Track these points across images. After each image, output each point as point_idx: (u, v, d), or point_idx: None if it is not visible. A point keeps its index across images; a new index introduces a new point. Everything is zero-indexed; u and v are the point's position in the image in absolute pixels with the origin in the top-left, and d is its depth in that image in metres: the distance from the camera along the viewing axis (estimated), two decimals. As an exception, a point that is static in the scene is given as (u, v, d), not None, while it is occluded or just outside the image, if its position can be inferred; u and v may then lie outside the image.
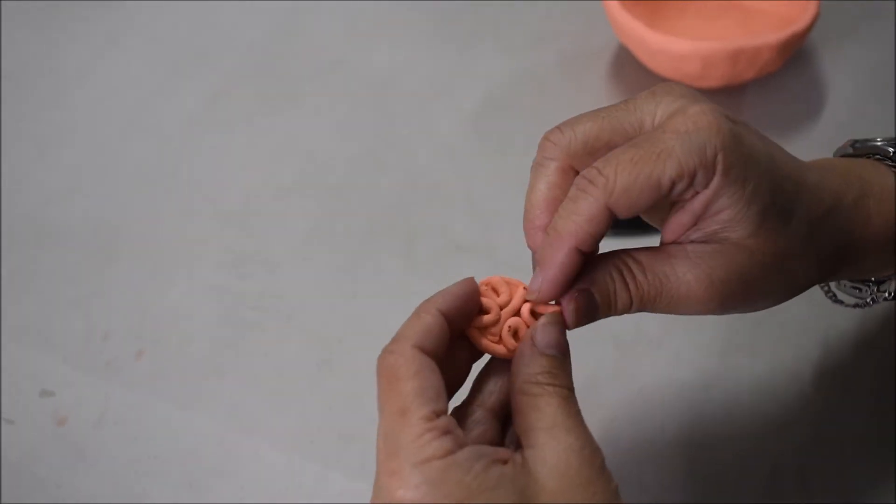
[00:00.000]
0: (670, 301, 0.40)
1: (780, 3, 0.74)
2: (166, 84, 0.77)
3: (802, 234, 0.41)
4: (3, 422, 0.56)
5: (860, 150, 0.48)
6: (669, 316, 0.56)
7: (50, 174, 0.70)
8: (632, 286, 0.40)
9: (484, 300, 0.41)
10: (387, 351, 0.38)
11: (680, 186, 0.38)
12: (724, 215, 0.39)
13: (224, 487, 0.53)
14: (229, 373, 0.58)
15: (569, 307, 0.40)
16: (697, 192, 0.39)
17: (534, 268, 0.41)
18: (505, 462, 0.37)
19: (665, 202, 0.41)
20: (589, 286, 0.40)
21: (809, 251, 0.41)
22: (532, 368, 0.38)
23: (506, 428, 0.42)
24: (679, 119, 0.39)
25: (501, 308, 0.41)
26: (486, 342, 0.41)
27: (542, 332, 0.39)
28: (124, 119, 0.75)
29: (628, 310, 0.41)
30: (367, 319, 0.59)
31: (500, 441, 0.41)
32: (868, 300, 0.49)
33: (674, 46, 0.67)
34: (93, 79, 0.78)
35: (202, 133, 0.73)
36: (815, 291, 0.51)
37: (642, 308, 0.41)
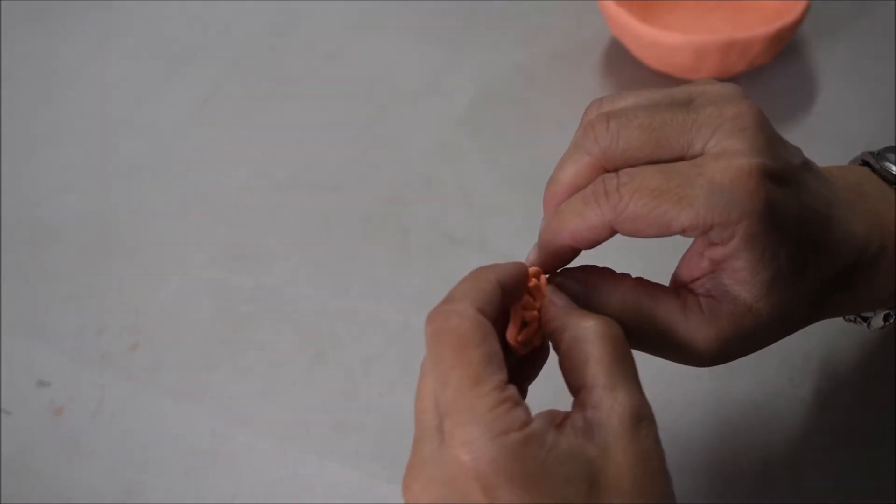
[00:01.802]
0: (668, 349, 0.40)
1: (771, -2, 0.75)
2: (160, 81, 0.77)
3: (813, 292, 0.40)
4: (0, 412, 0.56)
5: (880, 171, 0.46)
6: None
7: (45, 171, 0.71)
8: (630, 316, 0.40)
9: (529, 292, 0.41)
10: (447, 311, 0.36)
11: (691, 234, 0.37)
12: (740, 276, 0.38)
13: (219, 477, 0.53)
14: (223, 365, 0.58)
15: (560, 282, 0.41)
16: (714, 245, 0.38)
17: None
18: (562, 424, 0.35)
19: None
20: (588, 289, 0.40)
21: (814, 304, 0.41)
22: (575, 318, 0.37)
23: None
24: (720, 165, 0.37)
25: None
26: (516, 323, 0.40)
27: (559, 295, 0.39)
28: (118, 116, 0.75)
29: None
30: (360, 313, 0.60)
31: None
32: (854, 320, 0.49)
33: (665, 39, 0.68)
34: (87, 77, 0.78)
35: (196, 130, 0.73)
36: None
37: (634, 342, 0.39)
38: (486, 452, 0.34)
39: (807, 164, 0.41)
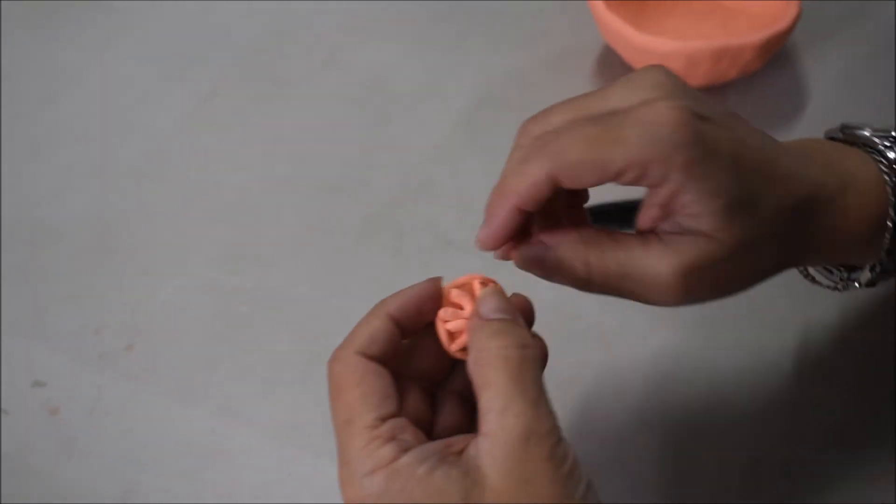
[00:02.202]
0: (636, 285, 0.41)
1: (762, 5, 0.75)
2: (159, 84, 0.78)
3: (770, 224, 0.41)
4: (-2, 412, 0.57)
5: (849, 136, 0.48)
6: (655, 310, 0.57)
7: (45, 172, 0.71)
8: (595, 267, 0.41)
9: (457, 299, 0.41)
10: (333, 358, 0.40)
11: (629, 175, 0.39)
12: (691, 209, 0.39)
13: (216, 476, 0.53)
14: (221, 365, 0.58)
15: (523, 252, 0.41)
16: (658, 185, 0.39)
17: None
18: (460, 453, 0.36)
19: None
20: (545, 256, 0.41)
21: (777, 239, 0.42)
22: (482, 334, 0.38)
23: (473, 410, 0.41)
24: (646, 109, 0.39)
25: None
26: (442, 336, 0.41)
27: (486, 301, 0.39)
28: (118, 119, 0.75)
29: (586, 283, 0.41)
30: (357, 314, 0.59)
31: (467, 425, 0.42)
32: (839, 286, 0.50)
33: (657, 45, 0.68)
34: (87, 80, 0.79)
35: (195, 132, 0.74)
36: (798, 285, 0.52)
37: (604, 286, 0.41)
38: (359, 491, 0.36)
39: (736, 115, 0.42)
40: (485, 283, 0.42)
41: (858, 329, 0.58)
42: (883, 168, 0.45)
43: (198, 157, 0.72)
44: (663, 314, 0.59)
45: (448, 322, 0.41)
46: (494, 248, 0.42)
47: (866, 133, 0.47)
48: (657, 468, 0.53)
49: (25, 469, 0.54)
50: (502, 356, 0.37)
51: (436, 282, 0.42)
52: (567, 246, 0.41)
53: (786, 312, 0.59)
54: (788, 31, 0.69)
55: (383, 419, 0.37)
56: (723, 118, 0.41)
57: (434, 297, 0.41)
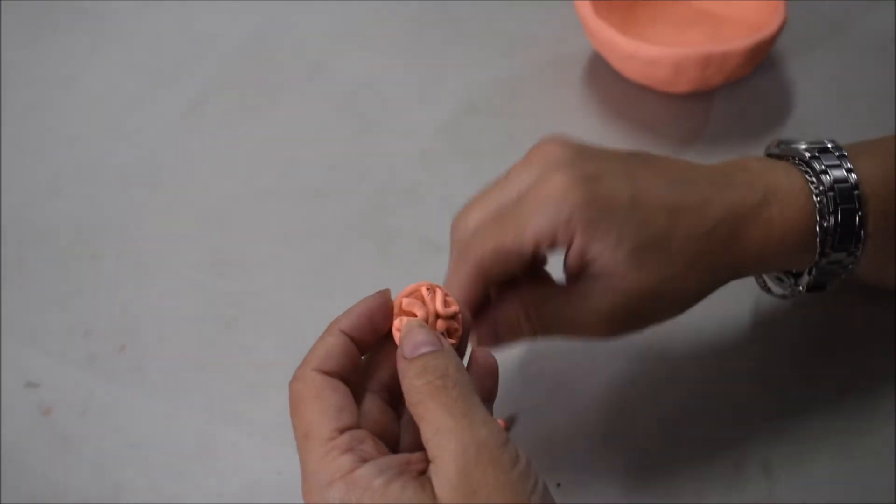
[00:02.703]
0: (568, 330, 0.48)
1: (749, 13, 0.76)
2: (148, 90, 0.79)
3: (685, 255, 0.45)
4: (-12, 412, 0.57)
5: (784, 151, 0.51)
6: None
7: (35, 176, 0.72)
8: (534, 320, 0.47)
9: (409, 308, 0.42)
10: (293, 378, 0.40)
11: (544, 248, 0.45)
12: (599, 263, 0.45)
13: (204, 476, 0.54)
14: (208, 367, 0.59)
15: (474, 337, 0.47)
16: (569, 247, 0.45)
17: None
18: (422, 473, 0.37)
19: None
20: (495, 324, 0.47)
21: (696, 267, 0.46)
22: (407, 378, 0.38)
23: (395, 407, 0.43)
24: (541, 185, 0.45)
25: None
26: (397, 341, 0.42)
27: (405, 341, 0.40)
28: (107, 124, 0.76)
29: (531, 337, 0.48)
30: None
31: (395, 424, 0.42)
32: (786, 293, 0.51)
33: (644, 51, 0.69)
34: (76, 85, 0.79)
35: (183, 137, 0.74)
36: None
37: (551, 334, 0.48)
38: (314, 501, 0.37)
39: (643, 158, 0.48)
40: (430, 288, 0.43)
41: (843, 332, 0.59)
42: (809, 178, 0.48)
43: (186, 161, 0.72)
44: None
45: (401, 329, 0.41)
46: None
47: (800, 147, 0.49)
48: (640, 467, 0.53)
49: (18, 468, 0.54)
50: (426, 391, 0.37)
51: (384, 293, 0.43)
52: (508, 313, 0.47)
53: (772, 314, 0.59)
54: (774, 37, 0.70)
55: (340, 431, 0.38)
56: (622, 170, 0.46)
57: (383, 309, 0.42)
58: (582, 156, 0.46)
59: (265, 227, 0.67)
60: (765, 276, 0.54)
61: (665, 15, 0.79)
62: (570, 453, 0.53)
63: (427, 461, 0.37)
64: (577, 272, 0.46)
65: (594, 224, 0.44)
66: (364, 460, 0.36)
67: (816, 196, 0.47)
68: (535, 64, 0.78)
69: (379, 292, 0.43)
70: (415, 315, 0.42)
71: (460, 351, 0.43)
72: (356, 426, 0.38)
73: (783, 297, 0.53)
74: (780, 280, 0.52)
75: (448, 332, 0.42)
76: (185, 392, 0.58)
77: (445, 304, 0.42)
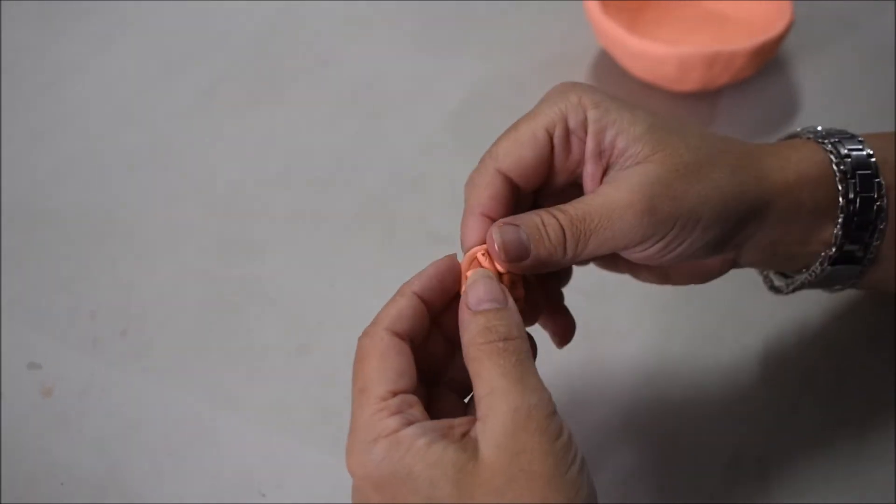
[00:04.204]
0: (601, 218, 0.42)
1: (756, 13, 0.76)
2: (158, 79, 0.79)
3: (706, 149, 0.43)
4: (-9, 392, 0.58)
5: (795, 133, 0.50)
6: (637, 308, 0.58)
7: (45, 160, 0.72)
8: (557, 213, 0.42)
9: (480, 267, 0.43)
10: (362, 334, 0.41)
11: (558, 134, 0.43)
12: (619, 143, 0.42)
13: (201, 458, 0.54)
14: (210, 351, 0.59)
15: (496, 240, 0.41)
16: (582, 136, 0.43)
17: None
18: (464, 435, 0.37)
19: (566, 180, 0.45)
20: (514, 221, 0.42)
21: (720, 163, 0.43)
22: (470, 332, 0.39)
23: (469, 403, 0.43)
24: (549, 91, 0.45)
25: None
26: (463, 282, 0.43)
27: (472, 291, 0.40)
28: (117, 111, 0.76)
29: (562, 239, 0.42)
30: (345, 306, 0.61)
31: (462, 412, 0.43)
32: (794, 284, 0.50)
33: (651, 50, 0.69)
34: (88, 73, 0.80)
35: (192, 126, 0.75)
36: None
37: (577, 235, 0.42)
38: (359, 457, 0.37)
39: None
40: (486, 253, 0.43)
41: (840, 331, 0.59)
42: (829, 152, 0.47)
43: (194, 149, 0.73)
44: (646, 312, 0.60)
45: (469, 271, 0.42)
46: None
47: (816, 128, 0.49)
48: (638, 463, 0.53)
49: (18, 447, 0.55)
50: (486, 350, 0.38)
51: (451, 257, 0.43)
52: (532, 216, 0.42)
53: (768, 311, 0.59)
54: (781, 38, 0.70)
55: (394, 393, 0.38)
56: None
57: (452, 271, 0.43)
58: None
59: (270, 214, 0.68)
60: (773, 276, 0.53)
61: (672, 15, 0.79)
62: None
63: (469, 425, 0.38)
64: (600, 175, 0.44)
65: (604, 102, 0.43)
66: (409, 423, 0.37)
67: (836, 166, 0.46)
68: (542, 60, 0.79)
69: (447, 256, 0.43)
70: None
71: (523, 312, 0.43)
72: (412, 391, 0.39)
73: (786, 292, 0.51)
74: (785, 276, 0.51)
75: (513, 283, 0.42)
76: (185, 376, 0.58)
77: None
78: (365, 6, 0.85)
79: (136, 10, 0.86)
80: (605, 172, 0.44)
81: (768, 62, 0.74)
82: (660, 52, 0.69)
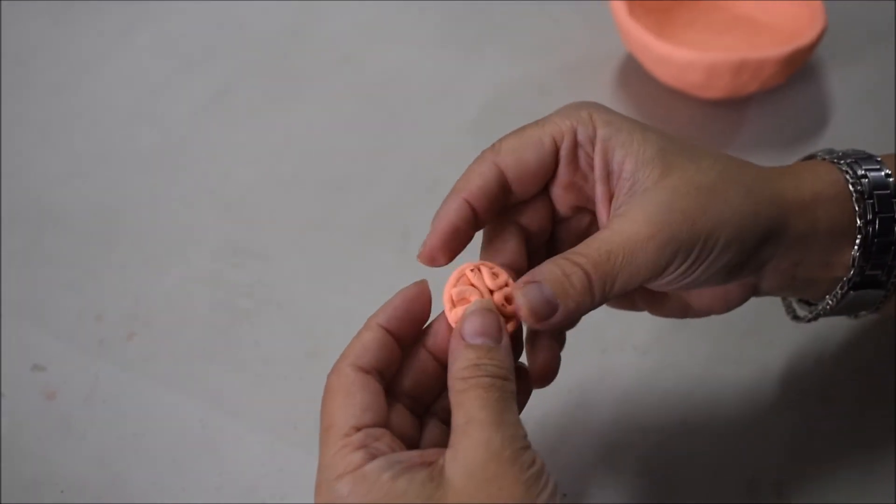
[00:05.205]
0: (623, 255, 0.40)
1: (788, 20, 0.74)
2: (174, 77, 0.78)
3: (719, 169, 0.42)
4: (-6, 394, 0.57)
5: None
6: (656, 323, 0.57)
7: (55, 159, 0.71)
8: (578, 259, 0.40)
9: (465, 287, 0.42)
10: (331, 371, 0.41)
11: (565, 146, 0.42)
12: (628, 166, 0.41)
13: (206, 468, 0.53)
14: (218, 358, 0.58)
15: (522, 305, 0.40)
16: (590, 151, 0.42)
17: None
18: (429, 465, 0.37)
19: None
20: (535, 278, 0.40)
21: (736, 182, 0.42)
22: (458, 364, 0.39)
23: (416, 413, 0.43)
24: (563, 106, 0.44)
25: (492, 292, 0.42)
26: (445, 299, 0.42)
27: (468, 322, 0.40)
28: (130, 109, 0.76)
29: (588, 286, 0.40)
30: (356, 313, 0.59)
31: (414, 427, 0.42)
32: (814, 313, 0.49)
33: (678, 55, 0.68)
34: (102, 69, 0.79)
35: (207, 126, 0.74)
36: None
37: (603, 278, 0.40)
38: (326, 495, 0.37)
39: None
40: (475, 268, 0.42)
41: (861, 353, 0.58)
42: (844, 172, 0.45)
43: (207, 150, 0.72)
44: (665, 327, 0.58)
45: (454, 288, 0.42)
46: (441, 249, 0.43)
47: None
48: (653, 482, 0.52)
49: (19, 451, 0.54)
50: (472, 383, 0.38)
51: (421, 284, 0.43)
52: (551, 267, 0.41)
53: (790, 332, 0.58)
54: (812, 46, 0.68)
55: (358, 428, 0.38)
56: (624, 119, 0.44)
57: (420, 300, 0.42)
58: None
59: (284, 218, 0.67)
60: (794, 303, 0.51)
61: (702, 19, 0.77)
62: (576, 466, 0.53)
63: (437, 455, 0.37)
64: (609, 197, 0.43)
65: (615, 121, 0.42)
66: (374, 456, 0.37)
67: (852, 185, 0.45)
68: (566, 64, 0.77)
69: (415, 283, 0.43)
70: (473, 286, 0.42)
71: (516, 335, 0.42)
72: (379, 425, 0.39)
73: (809, 319, 0.50)
74: (808, 304, 0.50)
75: (506, 300, 0.41)
76: (191, 382, 0.57)
77: (493, 275, 0.42)
78: (386, 5, 0.84)
79: (151, 8, 0.85)
80: (612, 195, 0.43)
81: (799, 70, 0.72)
82: (686, 57, 0.68)
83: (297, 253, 0.64)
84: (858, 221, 0.44)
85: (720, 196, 0.41)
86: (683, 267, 0.41)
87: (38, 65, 0.79)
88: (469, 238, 0.43)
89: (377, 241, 0.65)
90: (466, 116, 0.73)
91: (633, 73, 0.76)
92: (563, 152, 0.43)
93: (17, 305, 0.61)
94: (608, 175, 0.42)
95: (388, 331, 0.41)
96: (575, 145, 0.42)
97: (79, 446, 0.54)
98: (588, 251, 0.40)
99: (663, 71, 0.71)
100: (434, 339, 0.43)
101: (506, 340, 0.40)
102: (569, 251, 0.41)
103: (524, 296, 0.40)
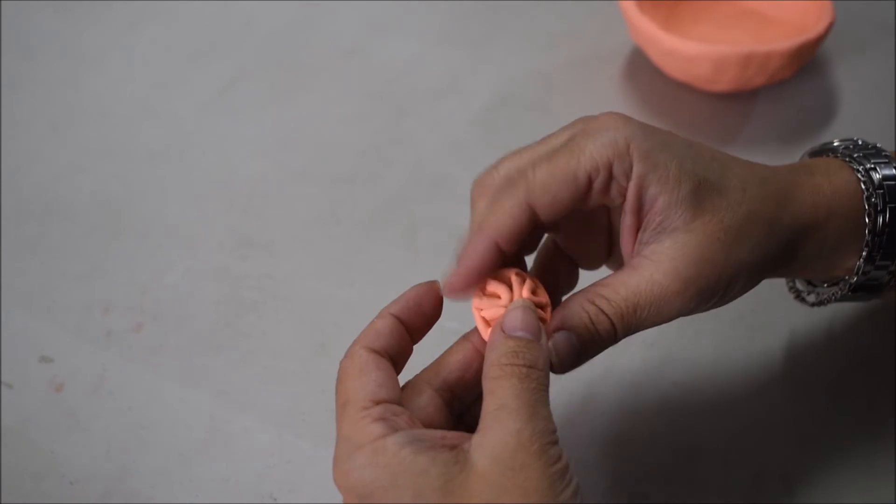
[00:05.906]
0: (650, 308, 0.41)
1: (796, 13, 0.74)
2: (182, 70, 0.78)
3: (746, 202, 0.42)
4: (1, 385, 0.57)
5: (817, 152, 0.50)
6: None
7: (63, 151, 0.71)
8: (606, 307, 0.41)
9: (494, 289, 0.42)
10: (343, 356, 0.41)
11: (599, 180, 0.41)
12: (660, 203, 0.41)
13: (213, 460, 0.53)
14: (225, 350, 0.58)
15: (552, 355, 0.41)
16: (623, 185, 0.41)
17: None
18: (452, 448, 0.37)
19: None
20: (562, 325, 0.41)
21: (758, 218, 0.42)
22: (497, 352, 0.39)
23: (454, 411, 0.43)
24: (590, 124, 0.42)
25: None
26: (478, 323, 0.42)
27: (510, 316, 0.40)
28: (138, 102, 0.76)
29: (613, 334, 0.42)
30: (364, 307, 0.59)
31: (448, 424, 0.42)
32: (824, 297, 0.49)
33: (684, 48, 0.68)
34: (110, 62, 0.79)
35: (214, 119, 0.74)
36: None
37: (627, 327, 0.42)
38: (343, 465, 0.37)
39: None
40: (520, 275, 0.43)
41: (870, 345, 0.57)
42: (855, 169, 0.46)
43: (214, 143, 0.72)
44: (672, 322, 0.58)
45: (483, 310, 0.42)
46: (465, 288, 0.42)
47: (834, 144, 0.49)
48: (659, 476, 0.52)
49: (26, 442, 0.54)
50: (509, 372, 0.38)
51: (432, 283, 0.43)
52: (576, 308, 0.42)
53: (798, 324, 0.58)
54: (819, 40, 0.68)
55: (376, 402, 0.38)
56: (665, 132, 0.43)
57: (431, 295, 0.43)
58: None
59: (291, 211, 0.67)
60: (798, 284, 0.52)
61: (709, 13, 0.78)
62: (583, 460, 0.52)
63: (460, 439, 0.38)
64: (634, 233, 0.43)
65: (654, 153, 0.41)
66: (394, 430, 0.37)
67: (863, 182, 0.45)
68: (575, 58, 0.77)
69: (427, 281, 0.43)
70: (498, 297, 0.42)
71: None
72: (394, 402, 0.39)
73: (818, 303, 0.50)
74: (814, 286, 0.50)
75: (534, 293, 0.42)
76: (199, 375, 0.57)
77: (533, 293, 0.42)
78: (395, 1, 0.84)
79: (158, 1, 0.85)
80: (640, 226, 0.42)
81: (806, 64, 0.72)
82: (693, 50, 0.67)
83: (304, 246, 0.64)
84: (867, 235, 0.45)
85: (745, 236, 0.42)
86: (700, 307, 0.42)
87: (46, 58, 0.79)
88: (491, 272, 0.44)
89: (384, 235, 0.65)
90: (473, 110, 0.73)
91: (640, 67, 0.76)
92: (597, 185, 0.41)
93: (24, 297, 0.61)
94: (639, 208, 0.42)
95: (399, 320, 0.42)
96: (609, 178, 0.41)
97: (86, 438, 0.54)
98: (616, 299, 0.41)
99: (671, 64, 0.70)
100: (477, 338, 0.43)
101: (544, 339, 0.40)
102: (596, 292, 0.42)
103: (554, 346, 0.41)
